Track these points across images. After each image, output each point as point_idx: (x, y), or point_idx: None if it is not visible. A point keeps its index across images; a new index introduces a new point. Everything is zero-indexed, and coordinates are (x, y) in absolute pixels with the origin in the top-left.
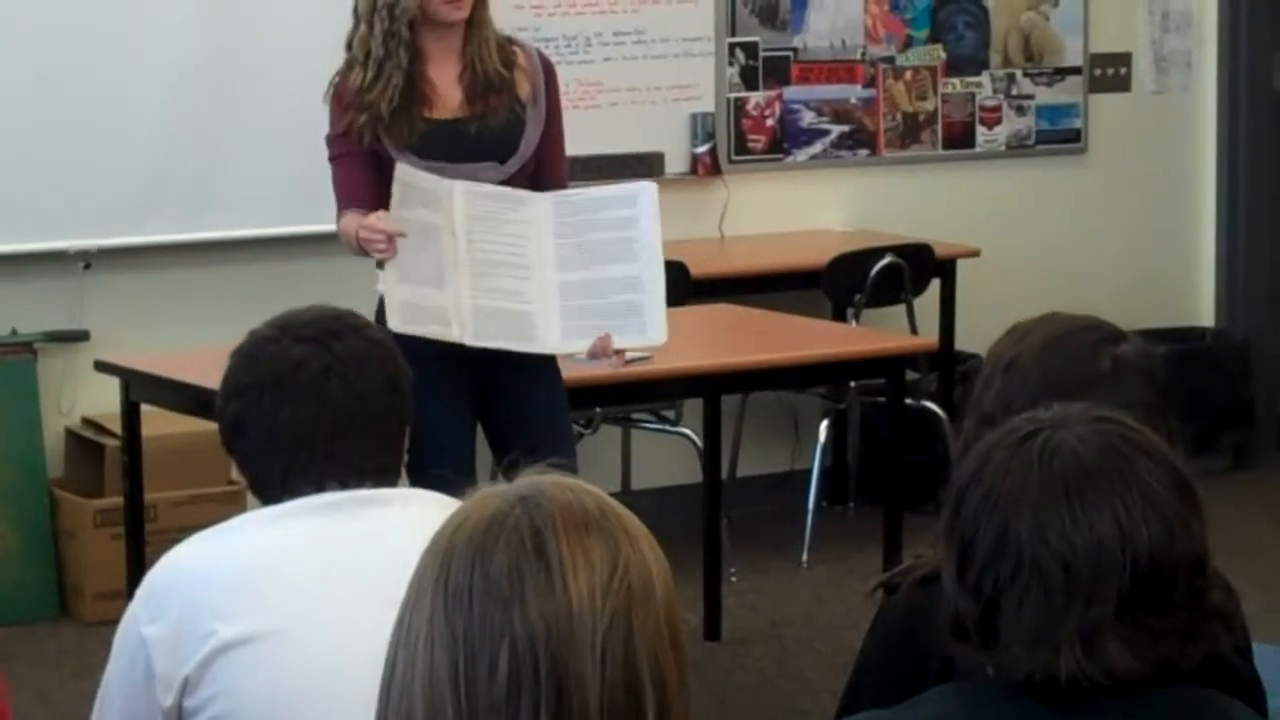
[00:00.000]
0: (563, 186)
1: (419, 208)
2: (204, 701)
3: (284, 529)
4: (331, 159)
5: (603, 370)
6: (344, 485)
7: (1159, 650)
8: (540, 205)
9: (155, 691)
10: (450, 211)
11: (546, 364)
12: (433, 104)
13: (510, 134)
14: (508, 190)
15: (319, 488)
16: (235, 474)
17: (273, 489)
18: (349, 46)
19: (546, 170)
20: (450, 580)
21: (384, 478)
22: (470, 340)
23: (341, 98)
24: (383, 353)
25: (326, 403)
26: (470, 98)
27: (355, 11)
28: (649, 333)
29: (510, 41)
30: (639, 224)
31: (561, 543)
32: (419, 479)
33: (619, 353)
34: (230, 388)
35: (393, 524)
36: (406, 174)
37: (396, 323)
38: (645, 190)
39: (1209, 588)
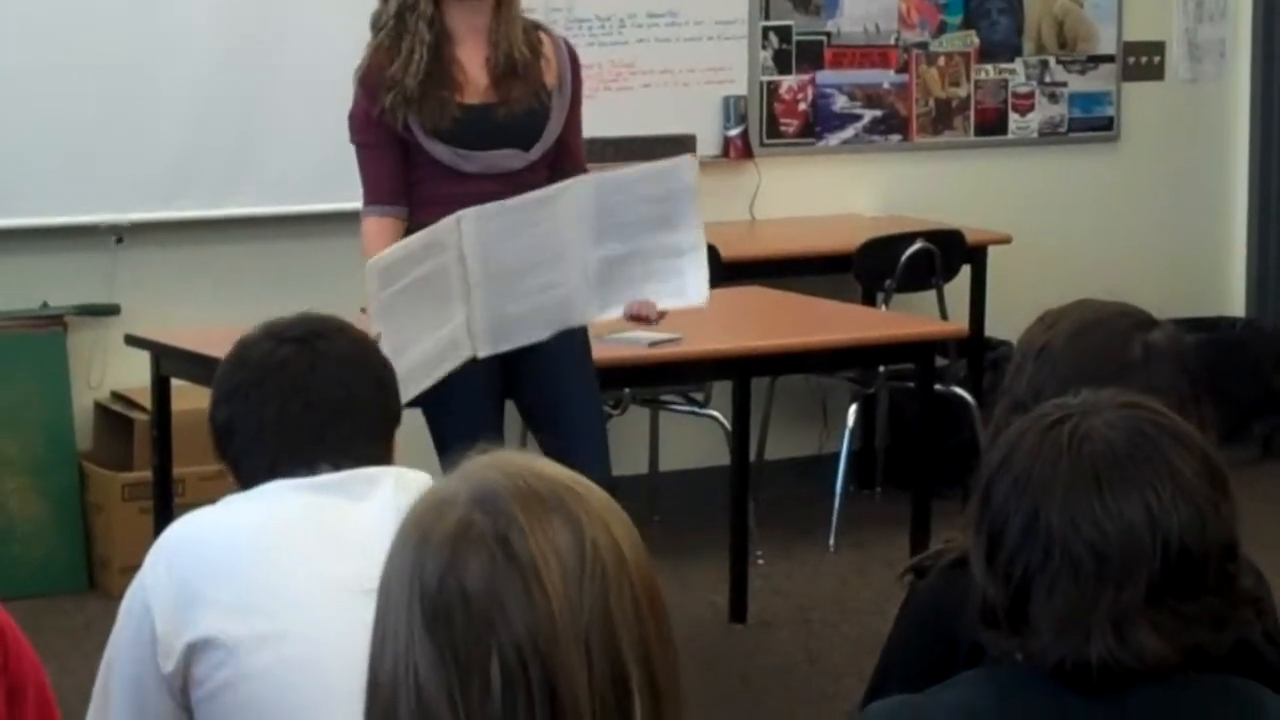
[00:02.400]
0: (582, 172)
1: (410, 271)
2: (205, 676)
3: (287, 504)
4: (358, 144)
5: (632, 351)
6: (336, 468)
7: (1190, 636)
8: (581, 191)
9: (157, 656)
10: (458, 242)
11: (572, 343)
12: (463, 88)
13: (535, 121)
14: (530, 197)
15: (310, 472)
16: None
17: (262, 482)
18: (373, 26)
19: (567, 158)
20: (425, 598)
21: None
22: (484, 352)
23: (367, 79)
24: (369, 352)
25: (312, 396)
26: (496, 82)
27: None
28: (689, 293)
29: (537, 27)
30: (679, 199)
31: (529, 541)
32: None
33: (661, 313)
34: (219, 394)
35: (390, 500)
36: (388, 259)
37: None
38: (685, 165)
39: (1239, 573)
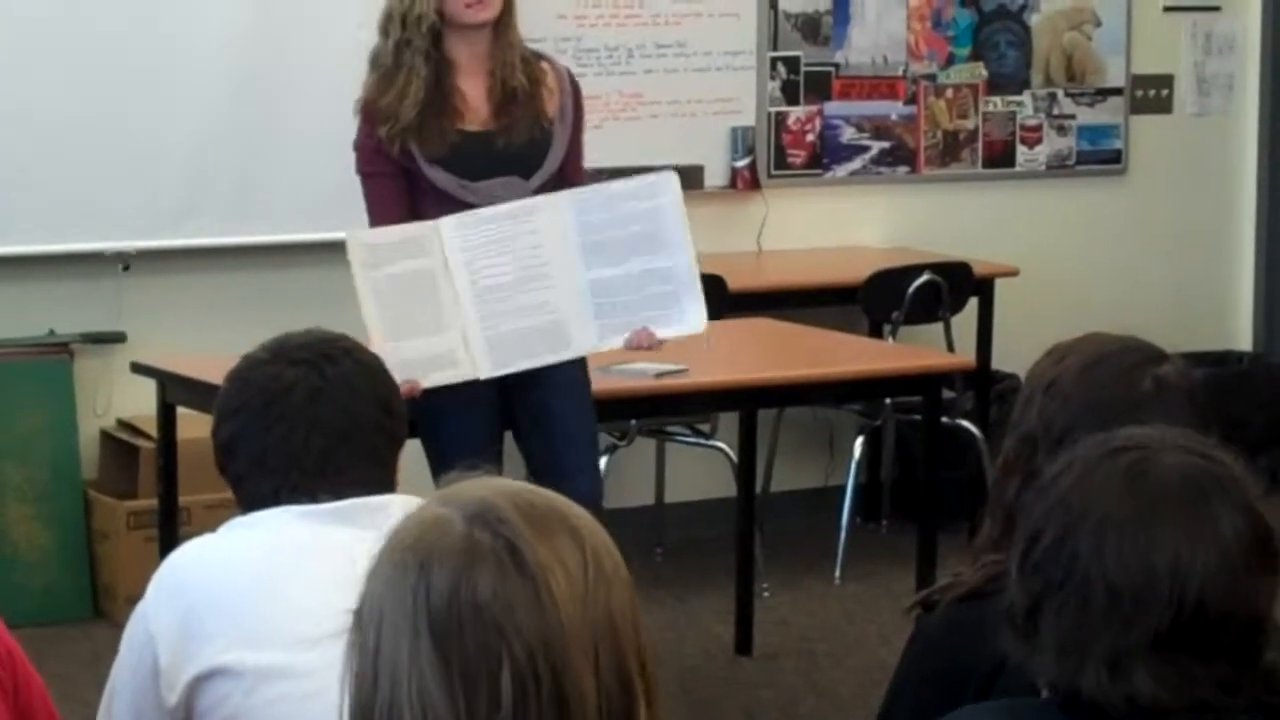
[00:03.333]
0: None
1: (400, 260)
2: (208, 709)
3: (290, 533)
4: (362, 175)
5: (638, 382)
6: (339, 498)
7: (1195, 692)
8: (557, 207)
9: (160, 688)
10: (440, 250)
11: (571, 374)
12: (463, 115)
13: (536, 149)
14: (511, 206)
15: (313, 499)
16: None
17: (265, 508)
18: (371, 62)
19: (567, 188)
20: (433, 615)
21: (378, 494)
22: (486, 373)
23: (366, 110)
24: (375, 375)
25: (317, 424)
26: (497, 111)
27: (379, 25)
28: (688, 321)
29: (539, 57)
30: (664, 214)
31: (536, 551)
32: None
33: (661, 341)
34: (223, 411)
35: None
36: (370, 236)
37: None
38: (666, 179)
39: (1264, 649)
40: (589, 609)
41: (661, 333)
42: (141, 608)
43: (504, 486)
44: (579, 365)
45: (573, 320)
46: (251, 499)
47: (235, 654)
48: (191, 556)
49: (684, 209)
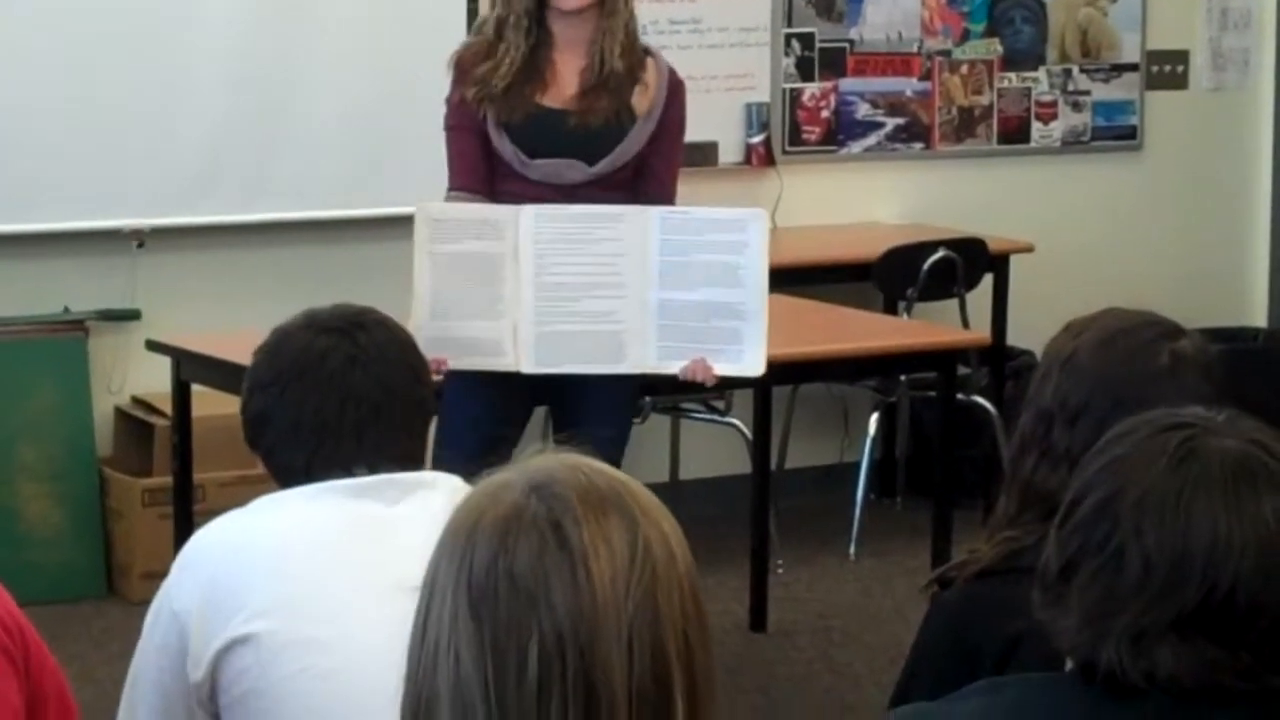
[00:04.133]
0: (669, 204)
1: (467, 240)
2: (231, 682)
3: (316, 508)
4: (447, 128)
5: None
6: (372, 471)
7: (1213, 676)
8: (643, 219)
9: (186, 666)
10: (515, 237)
11: (615, 397)
12: (548, 90)
13: (607, 138)
14: (599, 208)
15: (346, 474)
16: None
17: (297, 479)
18: (476, 26)
19: (653, 185)
20: (473, 579)
21: (409, 466)
22: (529, 368)
23: (460, 66)
24: (406, 346)
25: (351, 393)
26: (583, 91)
27: None
28: (746, 362)
29: (647, 51)
30: (747, 250)
31: (583, 530)
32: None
33: (717, 378)
34: (254, 382)
35: (421, 508)
36: (439, 210)
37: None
38: (757, 217)
39: None
40: (629, 595)
41: (719, 368)
42: (165, 589)
43: (578, 462)
44: (627, 387)
45: (633, 335)
46: (284, 470)
47: (258, 624)
48: (215, 535)
49: (767, 250)
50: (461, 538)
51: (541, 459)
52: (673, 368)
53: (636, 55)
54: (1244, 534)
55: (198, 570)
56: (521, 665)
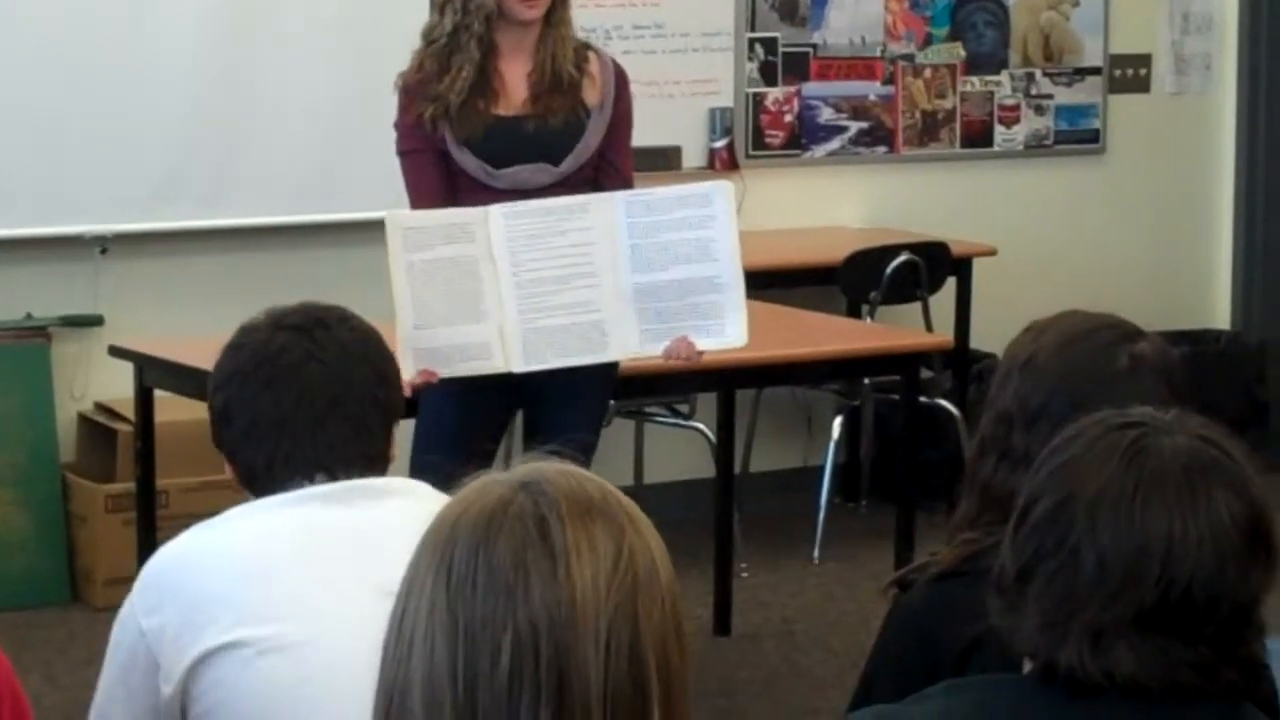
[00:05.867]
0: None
1: (440, 245)
2: (202, 694)
3: (284, 518)
4: (400, 153)
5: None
6: (332, 476)
7: (1172, 673)
8: (609, 206)
9: (156, 682)
10: (487, 238)
11: (590, 386)
12: (499, 99)
13: (568, 137)
14: (563, 200)
15: (307, 479)
16: (228, 470)
17: (260, 480)
18: (424, 36)
19: (613, 177)
20: (453, 568)
21: (371, 468)
22: (520, 367)
23: (410, 88)
24: (370, 343)
25: (307, 388)
26: (535, 96)
27: (432, 2)
28: (729, 334)
29: (587, 47)
30: (716, 223)
31: (566, 529)
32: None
33: (700, 353)
34: (217, 379)
35: (393, 514)
36: (409, 219)
37: (408, 374)
38: (721, 189)
39: (1249, 639)
40: (609, 597)
41: (702, 344)
42: (128, 608)
43: (570, 470)
44: (603, 376)
45: (613, 322)
46: (246, 470)
47: (234, 634)
48: (182, 549)
49: (736, 219)
50: (445, 528)
51: (542, 463)
52: (656, 349)
53: (580, 54)
54: (1199, 528)
55: (165, 586)
56: (495, 656)
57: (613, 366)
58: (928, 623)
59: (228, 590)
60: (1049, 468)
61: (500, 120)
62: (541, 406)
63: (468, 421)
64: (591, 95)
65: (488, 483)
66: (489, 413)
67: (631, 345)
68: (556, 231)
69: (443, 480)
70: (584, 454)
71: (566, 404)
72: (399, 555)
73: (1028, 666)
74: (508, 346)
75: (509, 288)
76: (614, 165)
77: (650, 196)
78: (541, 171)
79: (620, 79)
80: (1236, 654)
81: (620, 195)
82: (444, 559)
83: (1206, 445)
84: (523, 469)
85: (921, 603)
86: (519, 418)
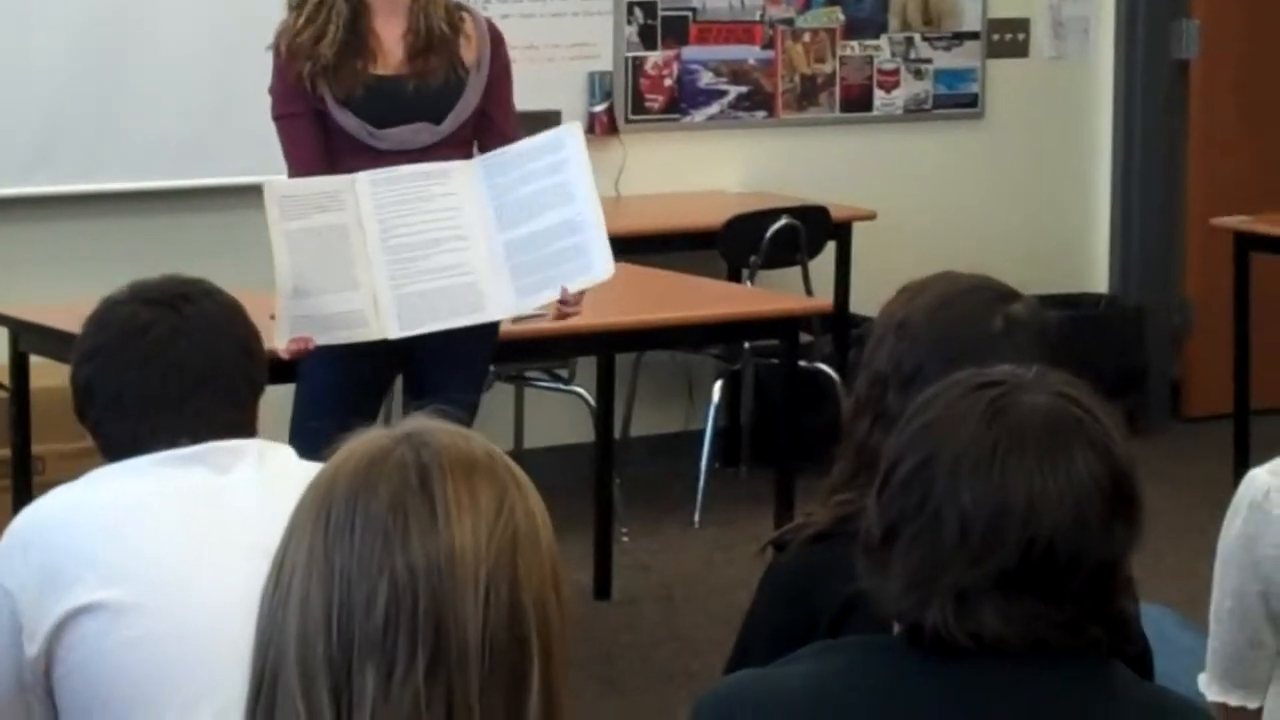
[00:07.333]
0: None
1: (313, 214)
2: (66, 652)
3: (147, 478)
4: (277, 119)
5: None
6: (197, 440)
7: (1036, 631)
8: (469, 171)
9: (20, 640)
10: (356, 205)
11: (471, 349)
12: (376, 59)
13: (447, 96)
14: (425, 166)
15: (171, 446)
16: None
17: (124, 452)
18: (290, 3)
19: (494, 135)
20: (331, 515)
21: (237, 437)
22: (395, 334)
23: (286, 49)
24: (234, 316)
25: (174, 364)
26: (411, 55)
27: None
28: (596, 269)
29: (460, 7)
30: (569, 166)
31: (448, 481)
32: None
33: (579, 295)
34: (80, 354)
35: (255, 472)
36: (285, 187)
37: (283, 341)
38: (570, 133)
39: (1115, 595)
40: (489, 547)
41: (573, 285)
42: None
43: (456, 429)
44: (483, 337)
45: (488, 283)
46: (110, 444)
47: (99, 593)
48: (46, 509)
49: (587, 158)
50: (327, 478)
51: (427, 420)
52: (532, 305)
53: (453, 14)
54: (1059, 486)
55: (29, 545)
56: (370, 600)
57: (492, 328)
58: (802, 584)
59: (91, 548)
60: (911, 429)
61: (380, 80)
62: (422, 369)
63: (349, 386)
64: (468, 54)
65: (371, 435)
66: (370, 376)
67: (509, 304)
68: (423, 197)
69: (326, 445)
70: (467, 414)
71: (447, 366)
72: (263, 515)
73: (897, 628)
74: (382, 313)
75: (378, 254)
76: (495, 124)
77: (505, 156)
78: (423, 131)
79: (495, 37)
80: (1102, 611)
81: (478, 160)
82: (323, 506)
83: (1067, 403)
84: (408, 424)
85: (796, 564)
86: (399, 381)
